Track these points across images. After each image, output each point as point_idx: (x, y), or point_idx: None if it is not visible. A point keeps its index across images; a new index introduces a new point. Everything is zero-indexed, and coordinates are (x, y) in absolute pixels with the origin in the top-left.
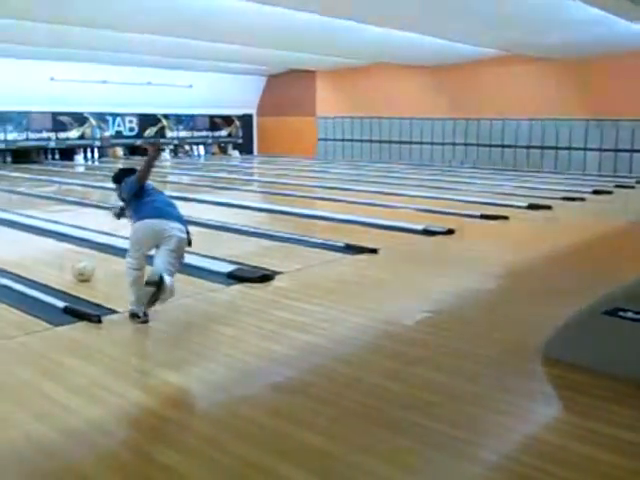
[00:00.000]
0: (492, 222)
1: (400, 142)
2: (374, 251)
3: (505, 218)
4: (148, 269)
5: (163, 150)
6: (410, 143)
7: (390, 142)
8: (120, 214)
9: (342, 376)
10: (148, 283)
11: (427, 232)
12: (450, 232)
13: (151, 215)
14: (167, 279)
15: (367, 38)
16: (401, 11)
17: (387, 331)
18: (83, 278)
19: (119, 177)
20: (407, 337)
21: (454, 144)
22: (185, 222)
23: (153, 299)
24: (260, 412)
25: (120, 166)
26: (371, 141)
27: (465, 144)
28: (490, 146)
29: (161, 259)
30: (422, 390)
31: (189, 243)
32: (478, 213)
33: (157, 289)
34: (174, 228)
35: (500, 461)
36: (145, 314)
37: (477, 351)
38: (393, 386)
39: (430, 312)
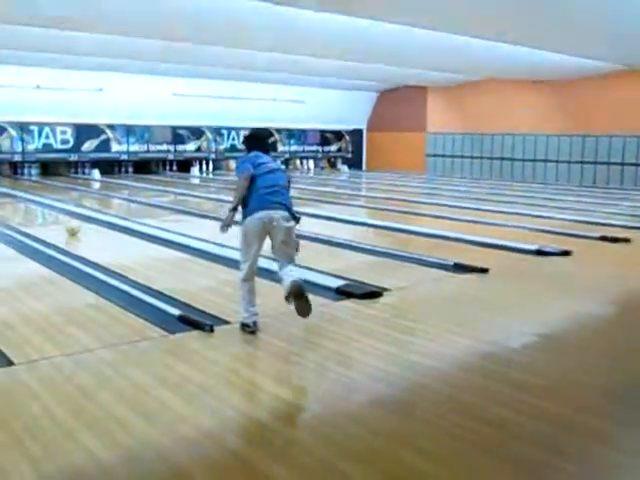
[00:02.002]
0: (612, 245)
1: (512, 159)
2: (484, 271)
3: (626, 241)
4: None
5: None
6: (522, 160)
7: (502, 159)
8: (227, 225)
9: (445, 397)
10: (293, 297)
11: (541, 253)
12: (566, 254)
13: (256, 209)
14: (297, 278)
15: (479, 53)
16: (516, 25)
17: (494, 354)
18: (72, 233)
19: (248, 142)
20: (515, 361)
21: (569, 162)
22: (290, 205)
23: (306, 307)
24: (362, 429)
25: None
26: (482, 158)
27: (582, 162)
28: (609, 164)
29: (284, 264)
30: (530, 418)
31: (297, 220)
32: (597, 235)
33: (301, 296)
34: (280, 218)
35: None
36: (254, 324)
37: (591, 381)
38: (499, 411)
39: (541, 336)
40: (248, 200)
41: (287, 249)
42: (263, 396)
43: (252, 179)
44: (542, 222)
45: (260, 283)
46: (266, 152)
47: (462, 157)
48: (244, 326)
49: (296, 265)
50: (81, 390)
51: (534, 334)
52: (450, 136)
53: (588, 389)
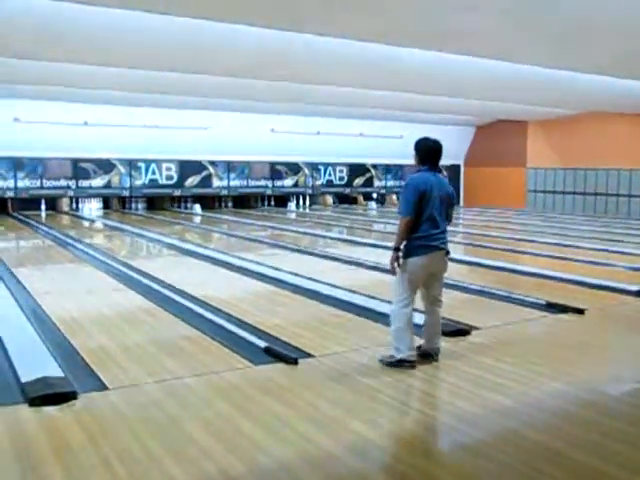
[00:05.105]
0: None
1: (617, 195)
2: (580, 311)
3: None
4: None
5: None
6: (629, 196)
7: (607, 195)
8: (394, 265)
9: (534, 444)
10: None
11: None
12: None
13: (424, 251)
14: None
15: (580, 86)
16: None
17: (589, 400)
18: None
19: (420, 152)
20: (613, 410)
21: None
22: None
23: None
24: (447, 473)
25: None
26: (585, 194)
27: None
28: None
29: (434, 311)
30: (630, 473)
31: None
32: None
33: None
34: (445, 261)
35: None
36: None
37: None
38: (594, 463)
39: None
40: (414, 237)
41: (441, 285)
42: (342, 432)
43: (419, 210)
44: None
45: (346, 317)
46: (436, 167)
47: (564, 193)
48: (403, 362)
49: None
50: (168, 417)
51: (634, 381)
52: (552, 171)
53: None
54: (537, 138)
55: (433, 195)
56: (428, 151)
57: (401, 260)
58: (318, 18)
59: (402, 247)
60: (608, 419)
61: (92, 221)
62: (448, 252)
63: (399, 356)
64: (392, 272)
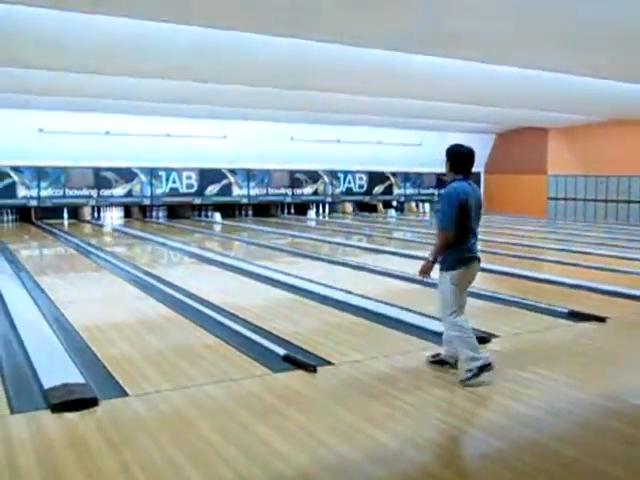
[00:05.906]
0: None
1: (639, 202)
2: (601, 320)
3: None
4: None
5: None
6: None
7: (629, 202)
8: (427, 273)
9: (557, 455)
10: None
11: None
12: None
13: (466, 260)
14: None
15: (603, 93)
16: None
17: (613, 410)
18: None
19: (454, 160)
20: (637, 419)
21: None
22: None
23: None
24: None
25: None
26: (606, 201)
27: None
28: None
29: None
30: None
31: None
32: None
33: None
34: (477, 269)
35: None
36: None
37: None
38: (617, 473)
39: None
40: (460, 249)
41: (467, 293)
42: (361, 439)
43: (462, 222)
44: None
45: (365, 325)
46: (469, 175)
47: (585, 200)
48: (483, 368)
49: None
50: (187, 423)
51: None
52: (572, 178)
53: None
54: (558, 145)
55: (471, 205)
56: (463, 159)
57: (439, 272)
58: (314, 22)
59: (440, 259)
60: (632, 428)
61: (113, 229)
62: (480, 260)
63: (477, 364)
64: (422, 280)
